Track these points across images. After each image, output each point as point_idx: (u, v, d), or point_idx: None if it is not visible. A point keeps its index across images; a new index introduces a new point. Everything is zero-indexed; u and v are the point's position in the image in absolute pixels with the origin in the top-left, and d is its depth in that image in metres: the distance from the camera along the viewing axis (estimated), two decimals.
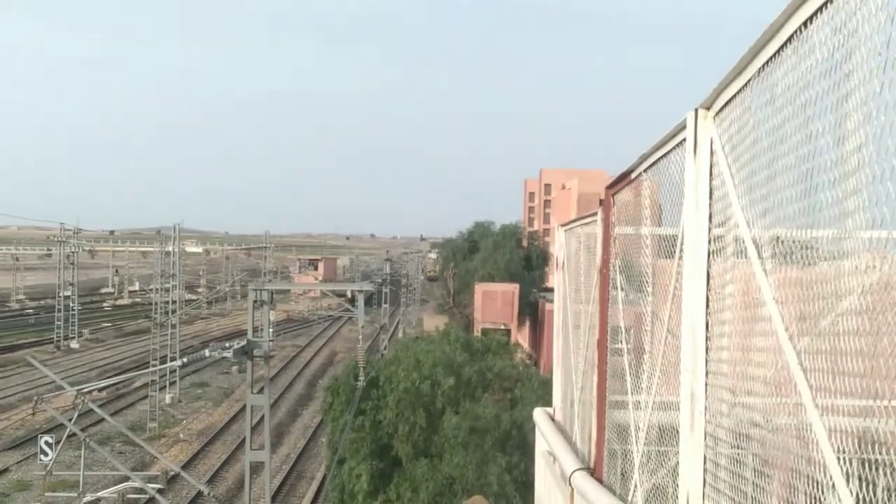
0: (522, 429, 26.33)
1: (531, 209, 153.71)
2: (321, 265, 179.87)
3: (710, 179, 5.34)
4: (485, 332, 47.28)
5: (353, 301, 39.92)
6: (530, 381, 31.90)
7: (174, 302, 63.96)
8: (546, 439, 11.64)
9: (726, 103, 5.09)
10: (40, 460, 20.16)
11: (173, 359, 53.60)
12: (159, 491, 22.84)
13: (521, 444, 26.75)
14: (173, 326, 60.61)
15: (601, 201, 8.55)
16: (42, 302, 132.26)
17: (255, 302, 20.36)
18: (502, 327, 50.63)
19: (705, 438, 5.22)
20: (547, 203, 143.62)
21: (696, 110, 5.48)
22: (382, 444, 31.22)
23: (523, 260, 64.28)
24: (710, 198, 5.32)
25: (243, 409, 35.61)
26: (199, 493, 36.37)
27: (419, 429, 29.32)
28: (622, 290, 7.80)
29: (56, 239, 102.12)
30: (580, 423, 9.80)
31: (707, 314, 5.29)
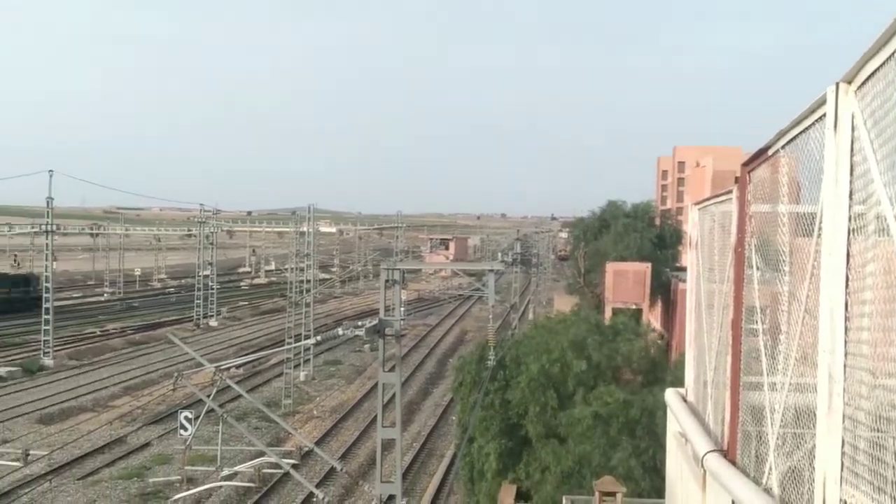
0: (652, 412, 26.02)
1: (664, 187, 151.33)
2: (452, 245, 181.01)
3: (851, 155, 5.17)
4: (616, 311, 46.81)
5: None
6: (661, 362, 31.50)
7: (308, 281, 65.17)
8: (678, 420, 11.49)
9: (868, 77, 4.92)
10: (180, 435, 20.78)
11: (307, 337, 54.71)
12: (294, 466, 23.37)
13: (650, 429, 26.44)
14: (307, 305, 61.79)
15: (736, 179, 8.37)
16: (182, 281, 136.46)
17: (386, 281, 20.58)
18: (633, 307, 50.01)
19: (843, 421, 5.08)
20: (680, 181, 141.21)
21: (837, 84, 5.31)
22: (512, 424, 31.24)
23: (655, 239, 63.32)
24: (851, 174, 5.16)
25: (375, 386, 36.11)
26: (333, 469, 37.08)
27: (550, 410, 29.25)
28: (758, 269, 7.63)
29: (196, 220, 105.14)
30: (713, 405, 9.64)
31: (846, 293, 5.14)
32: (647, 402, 26.83)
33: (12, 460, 24.01)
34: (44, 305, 68.46)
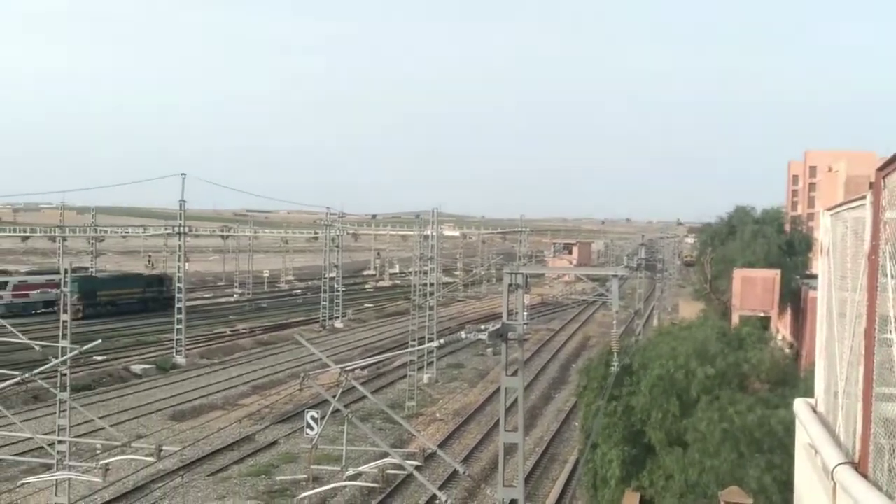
0: (783, 423, 25.42)
1: (794, 192, 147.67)
2: (575, 249, 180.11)
3: None
4: (743, 319, 45.94)
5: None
6: (791, 372, 30.78)
7: (432, 284, 65.63)
8: (807, 431, 11.23)
9: None
10: (306, 434, 21.10)
11: (431, 340, 55.12)
12: (417, 468, 23.53)
13: (780, 441, 25.84)
14: (431, 308, 62.20)
15: (871, 184, 8.16)
16: (309, 283, 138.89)
17: (509, 285, 20.60)
18: (761, 315, 49.00)
19: None
20: (811, 186, 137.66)
21: None
22: (635, 431, 30.91)
23: (785, 245, 61.93)
24: None
25: (497, 390, 36.15)
26: (455, 472, 37.27)
27: (672, 416, 28.86)
28: (892, 277, 7.43)
29: (322, 223, 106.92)
30: (844, 416, 9.41)
31: None
32: (777, 413, 26.23)
33: (146, 455, 24.79)
34: (176, 305, 70.48)
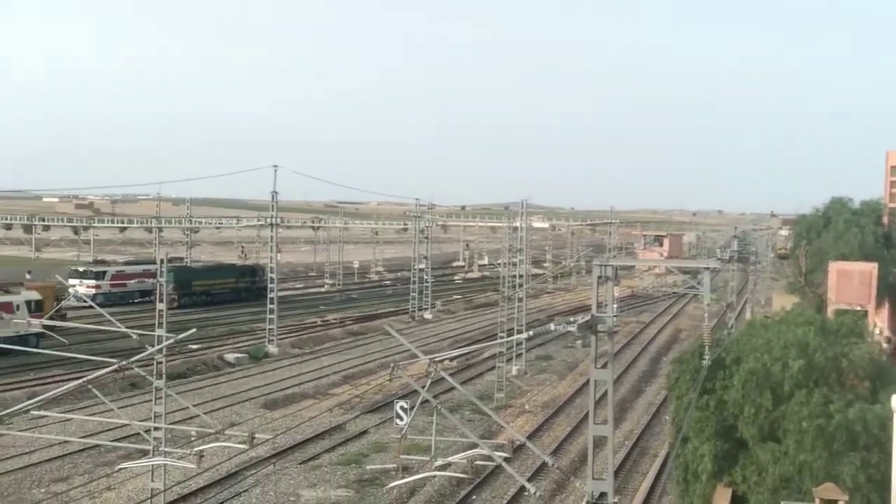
0: (880, 420, 24.86)
1: (893, 184, 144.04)
2: (666, 241, 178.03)
3: None
4: (839, 313, 44.99)
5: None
6: (889, 367, 30.03)
7: (521, 276, 65.51)
8: None
9: None
10: (396, 424, 21.25)
11: (520, 331, 55.09)
12: (506, 459, 23.52)
13: (877, 439, 25.28)
14: (520, 300, 62.12)
15: None
16: (398, 274, 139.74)
17: (599, 277, 20.45)
18: (858, 309, 47.92)
19: None
20: None
21: None
22: (727, 425, 30.49)
23: (882, 238, 60.48)
24: None
25: (587, 383, 35.96)
26: (544, 464, 37.18)
27: (765, 411, 28.40)
28: None
29: (411, 214, 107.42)
30: None
31: None
32: (875, 412, 25.66)
33: (239, 443, 25.24)
34: (268, 295, 71.44)
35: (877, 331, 46.36)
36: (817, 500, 21.23)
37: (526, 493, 33.78)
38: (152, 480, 27.67)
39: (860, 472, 25.29)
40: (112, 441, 38.63)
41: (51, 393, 25.50)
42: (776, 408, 28.34)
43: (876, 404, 26.09)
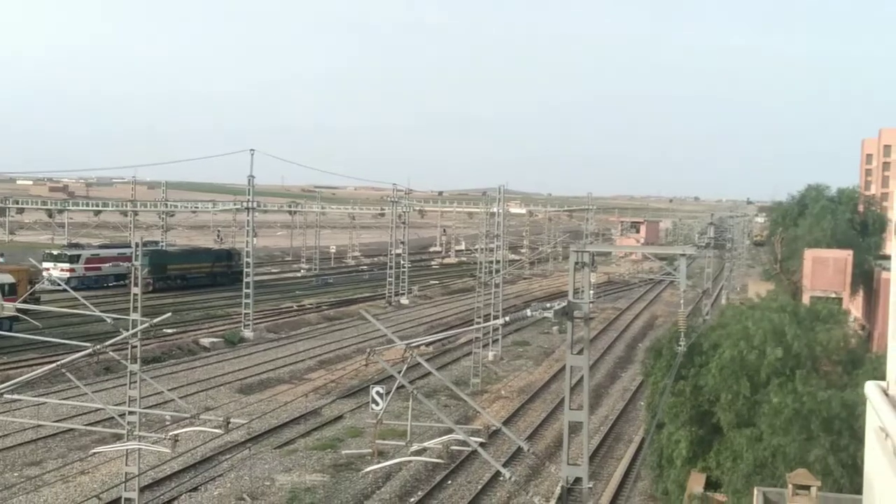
0: (853, 407, 25.03)
1: (868, 172, 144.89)
2: (643, 228, 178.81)
3: None
4: (814, 300, 45.26)
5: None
6: (862, 354, 30.24)
7: (498, 262, 65.53)
8: (878, 415, 11.02)
9: None
10: (371, 409, 21.19)
11: (496, 317, 55.10)
12: (481, 445, 23.54)
13: (849, 424, 25.46)
14: (497, 286, 62.12)
15: None
16: (375, 259, 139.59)
17: (576, 263, 20.46)
18: (832, 296, 48.22)
19: None
20: (886, 165, 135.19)
21: None
22: (702, 411, 30.65)
23: (858, 226, 60.84)
24: None
25: (563, 369, 36.06)
26: (520, 449, 37.25)
27: (742, 398, 28.56)
28: None
29: (389, 199, 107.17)
30: None
31: None
32: (847, 397, 25.82)
33: (214, 427, 25.12)
34: (244, 280, 71.19)
35: (851, 318, 46.70)
36: (790, 486, 21.32)
37: (501, 478, 33.82)
38: (126, 465, 27.50)
39: (830, 455, 25.46)
40: (86, 425, 38.38)
41: (25, 377, 25.34)
42: (753, 394, 28.51)
43: (846, 390, 26.29)
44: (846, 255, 50.92)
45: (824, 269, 50.43)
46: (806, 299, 47.06)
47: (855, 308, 52.97)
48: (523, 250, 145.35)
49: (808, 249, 53.12)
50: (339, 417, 45.81)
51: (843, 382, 27.52)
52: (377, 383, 22.35)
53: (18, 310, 46.09)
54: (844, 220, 58.44)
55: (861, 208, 65.05)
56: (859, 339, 33.81)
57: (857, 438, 24.36)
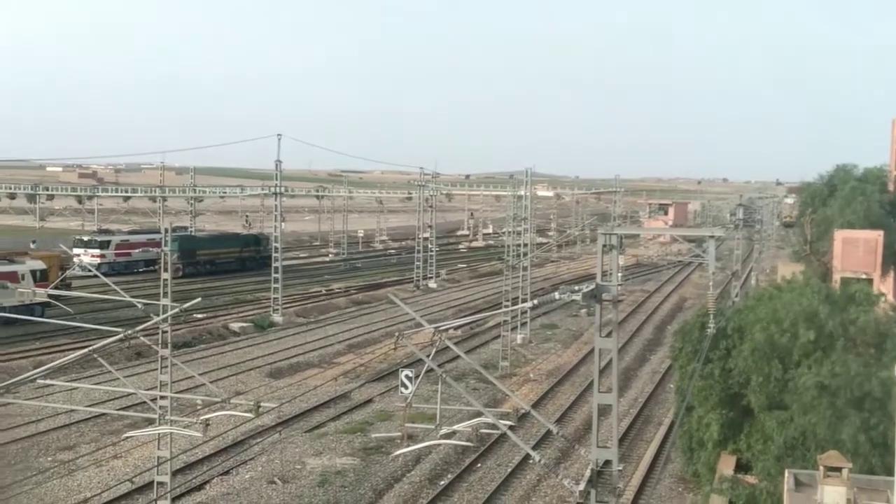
0: (887, 386, 24.88)
1: None
2: (671, 210, 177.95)
3: None
4: (844, 281, 44.92)
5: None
6: (893, 335, 30.02)
7: (525, 245, 65.42)
8: None
9: None
10: (401, 392, 21.21)
11: (524, 300, 55.03)
12: (510, 428, 23.55)
13: (883, 403, 25.31)
14: (524, 269, 62.04)
15: None
16: (403, 243, 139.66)
17: (604, 246, 20.37)
18: (863, 277, 47.83)
19: None
20: None
21: None
22: (732, 394, 30.57)
23: (888, 206, 60.23)
24: None
25: (591, 351, 35.95)
26: (549, 432, 37.28)
27: (773, 380, 28.43)
28: None
29: (416, 183, 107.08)
30: None
31: None
32: (880, 375, 25.66)
33: (245, 411, 25.29)
34: (273, 265, 71.40)
35: (882, 299, 46.36)
36: (821, 468, 21.24)
37: (531, 461, 33.85)
38: (158, 448, 27.72)
39: (860, 433, 25.32)
40: (118, 410, 38.76)
41: (57, 362, 25.54)
42: (784, 376, 28.38)
43: (882, 370, 26.11)
44: (877, 235, 50.51)
45: (854, 250, 50.05)
46: (836, 280, 46.75)
47: (886, 289, 52.52)
48: (551, 233, 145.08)
49: (837, 230, 52.70)
50: (369, 401, 45.96)
51: (875, 363, 27.36)
52: (406, 367, 22.39)
53: (50, 296, 46.35)
54: (876, 200, 57.88)
55: (891, 188, 64.40)
56: (891, 319, 33.58)
57: (890, 418, 24.25)
